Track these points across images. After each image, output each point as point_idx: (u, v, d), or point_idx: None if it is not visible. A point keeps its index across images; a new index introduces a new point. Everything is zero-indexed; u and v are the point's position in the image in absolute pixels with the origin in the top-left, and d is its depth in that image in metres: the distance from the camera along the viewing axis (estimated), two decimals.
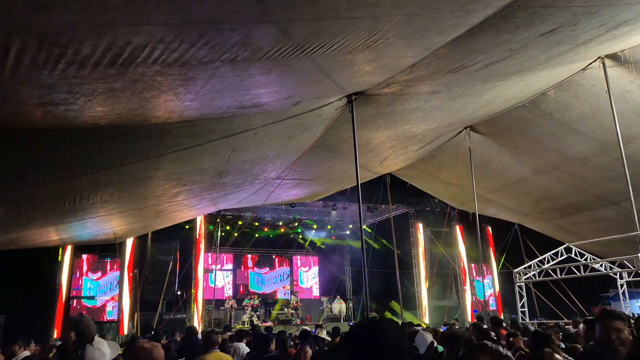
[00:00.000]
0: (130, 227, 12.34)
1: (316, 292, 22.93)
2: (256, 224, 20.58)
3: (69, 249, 15.27)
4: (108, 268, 16.95)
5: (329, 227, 22.53)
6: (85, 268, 16.60)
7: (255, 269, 21.98)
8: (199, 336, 8.74)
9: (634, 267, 9.00)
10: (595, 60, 7.91)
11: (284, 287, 22.28)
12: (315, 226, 22.24)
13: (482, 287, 21.23)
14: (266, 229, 21.56)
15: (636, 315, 8.90)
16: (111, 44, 3.50)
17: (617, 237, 10.04)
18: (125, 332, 15.27)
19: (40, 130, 4.88)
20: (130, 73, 4.02)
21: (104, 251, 16.18)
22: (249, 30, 3.85)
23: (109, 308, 16.56)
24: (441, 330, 7.21)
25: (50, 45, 3.34)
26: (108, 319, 16.26)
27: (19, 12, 2.94)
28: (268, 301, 20.63)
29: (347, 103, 7.09)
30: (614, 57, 7.83)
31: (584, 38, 6.11)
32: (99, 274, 16.78)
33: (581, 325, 6.85)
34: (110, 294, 16.74)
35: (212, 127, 6.29)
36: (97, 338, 3.99)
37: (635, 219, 8.11)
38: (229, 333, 9.63)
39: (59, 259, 15.13)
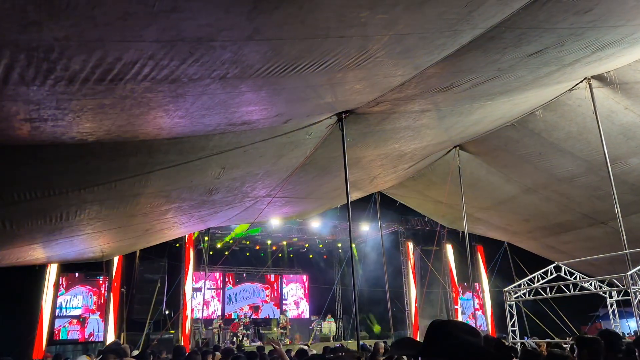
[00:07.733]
0: (118, 245, 12.18)
1: (306, 312, 22.67)
2: (246, 242, 20.41)
3: (54, 267, 14.84)
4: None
5: (320, 245, 22.41)
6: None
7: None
8: None
9: (623, 285, 9.00)
10: (581, 81, 8.02)
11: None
12: (307, 245, 22.14)
13: (470, 306, 21.12)
14: (257, 247, 21.42)
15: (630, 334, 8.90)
16: (101, 60, 3.49)
17: (606, 256, 10.08)
18: None
19: (26, 146, 4.83)
20: (119, 89, 4.01)
21: (90, 269, 15.83)
22: (240, 48, 3.87)
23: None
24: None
25: (39, 61, 3.32)
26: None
27: (8, 27, 2.93)
28: (258, 320, 20.35)
29: (337, 121, 7.12)
30: (600, 78, 7.95)
31: (570, 59, 6.21)
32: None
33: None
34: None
35: (202, 144, 6.27)
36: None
37: (623, 238, 8.15)
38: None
39: (45, 278, 14.77)
